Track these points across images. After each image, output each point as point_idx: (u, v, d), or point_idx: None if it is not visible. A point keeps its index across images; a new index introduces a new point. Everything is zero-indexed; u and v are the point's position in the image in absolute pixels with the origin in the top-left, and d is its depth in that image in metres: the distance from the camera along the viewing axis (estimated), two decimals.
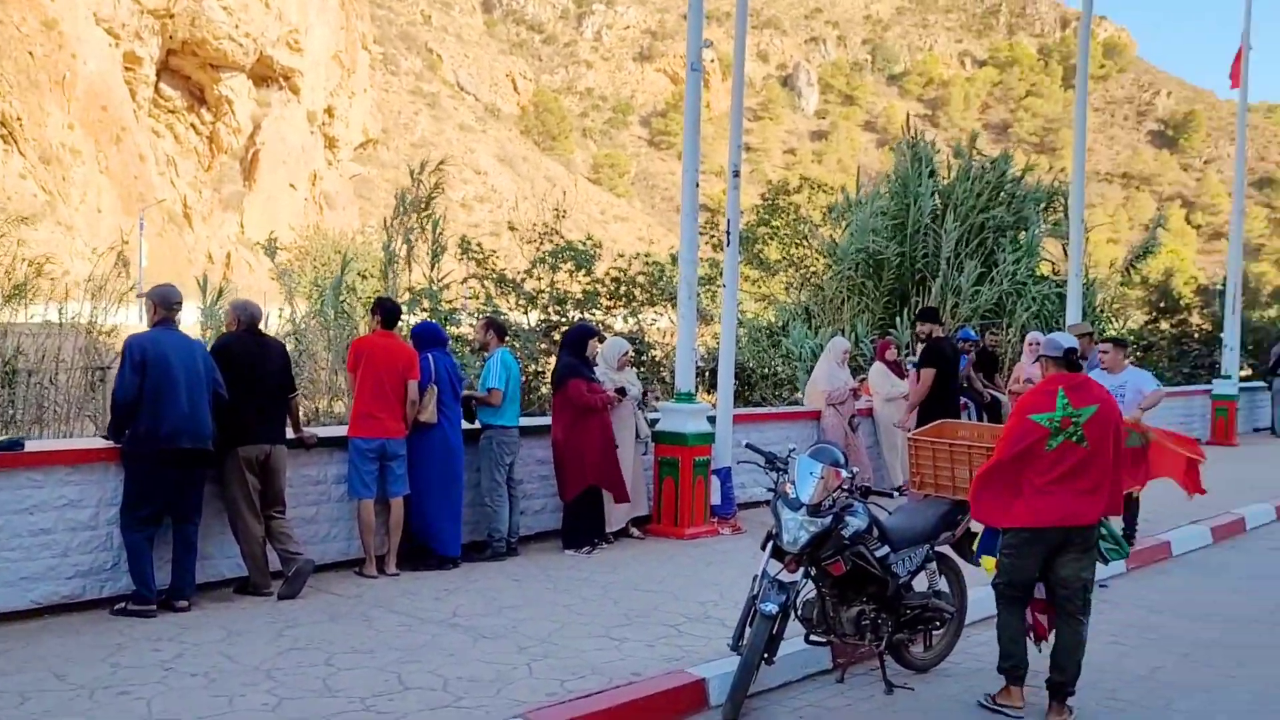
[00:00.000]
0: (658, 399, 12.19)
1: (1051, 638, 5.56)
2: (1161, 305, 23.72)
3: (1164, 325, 23.17)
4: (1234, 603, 7.76)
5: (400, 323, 8.60)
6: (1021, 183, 17.87)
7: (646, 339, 15.82)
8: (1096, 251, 24.18)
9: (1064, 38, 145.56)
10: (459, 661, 5.63)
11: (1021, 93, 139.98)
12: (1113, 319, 18.65)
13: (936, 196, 16.91)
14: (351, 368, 7.66)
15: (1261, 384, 20.06)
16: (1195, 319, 23.68)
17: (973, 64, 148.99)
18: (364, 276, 19.18)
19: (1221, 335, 19.13)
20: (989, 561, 5.83)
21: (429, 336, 8.29)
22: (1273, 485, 12.81)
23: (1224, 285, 20.44)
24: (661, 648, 5.99)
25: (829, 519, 5.37)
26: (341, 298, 14.94)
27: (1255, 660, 6.36)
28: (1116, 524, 6.42)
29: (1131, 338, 21.28)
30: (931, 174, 17.39)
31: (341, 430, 7.86)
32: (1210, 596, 7.93)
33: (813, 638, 5.75)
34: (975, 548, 6.09)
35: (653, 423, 9.40)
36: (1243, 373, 19.97)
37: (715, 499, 9.41)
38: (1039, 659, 5.54)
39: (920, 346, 10.52)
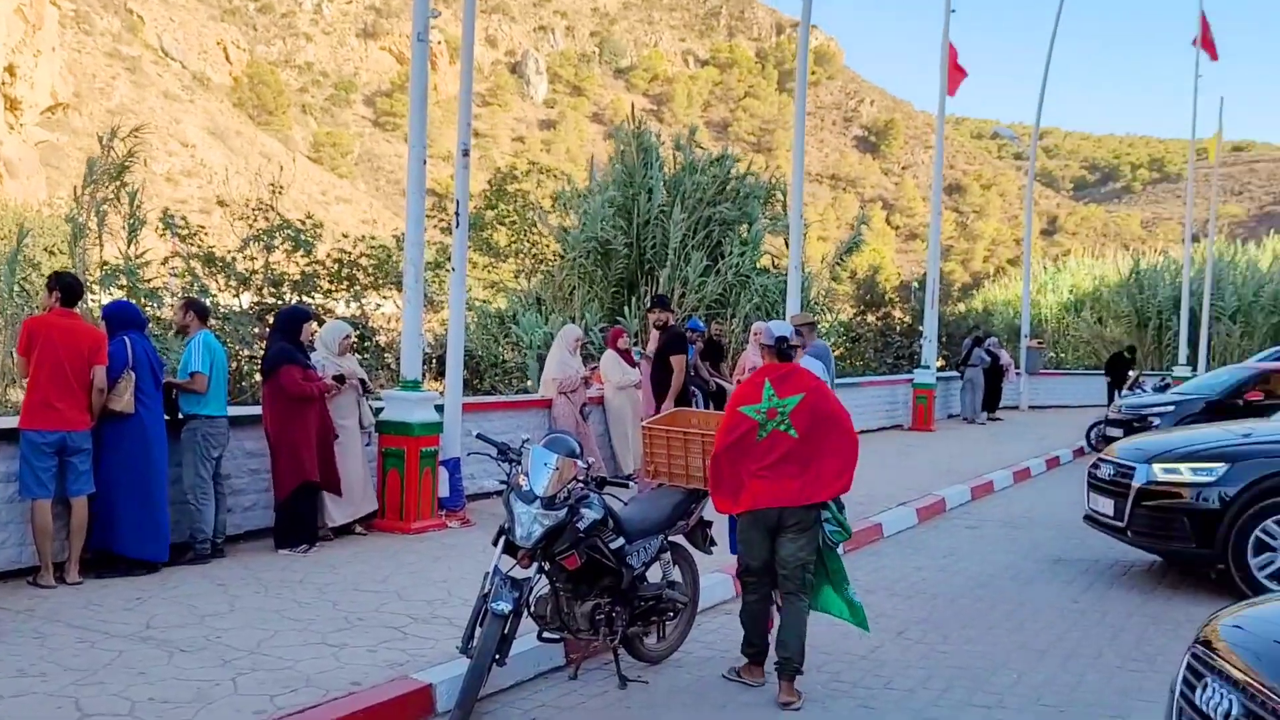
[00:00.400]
0: (381, 386, 11.66)
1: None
2: (868, 299, 25.22)
3: (870, 318, 24.65)
4: (939, 580, 8.19)
5: (91, 302, 7.69)
6: (746, 179, 18.44)
7: (371, 324, 15.17)
8: (808, 248, 25.38)
9: (779, 43, 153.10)
10: (150, 681, 5.00)
11: (740, 93, 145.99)
12: (826, 311, 19.60)
13: (664, 188, 17.15)
14: (24, 351, 6.73)
15: (955, 374, 21.72)
16: (897, 313, 25.35)
17: (695, 63, 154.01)
18: (51, 252, 17.43)
19: (921, 328, 20.54)
20: None
21: (124, 317, 7.44)
22: (967, 468, 13.81)
23: (922, 282, 21.95)
24: (385, 652, 5.59)
25: (564, 511, 5.16)
26: (22, 274, 13.43)
27: (959, 636, 6.69)
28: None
29: (842, 329, 22.53)
30: (660, 167, 17.65)
31: (13, 421, 6.90)
32: (919, 575, 8.35)
33: (546, 635, 5.54)
34: (714, 540, 6.11)
35: (377, 411, 8.90)
36: (938, 363, 21.53)
37: (443, 491, 9.04)
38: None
39: (654, 334, 10.56)
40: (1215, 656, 3.62)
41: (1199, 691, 3.58)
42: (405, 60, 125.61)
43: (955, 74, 20.46)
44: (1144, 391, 17.92)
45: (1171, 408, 14.74)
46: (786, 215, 18.89)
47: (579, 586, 5.39)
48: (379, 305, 15.86)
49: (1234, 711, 3.34)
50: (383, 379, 13.93)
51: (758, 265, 17.63)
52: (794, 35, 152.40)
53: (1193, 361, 27.55)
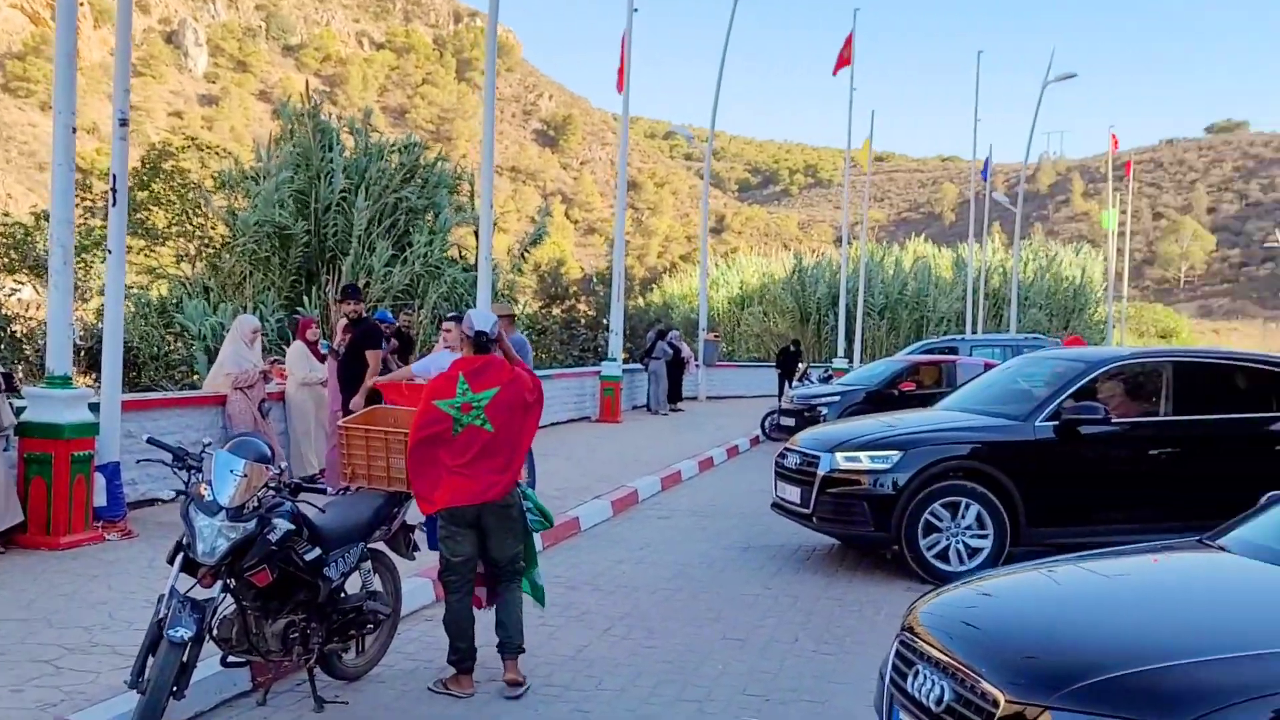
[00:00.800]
0: (21, 382, 10.35)
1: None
2: (553, 292, 25.39)
3: (555, 311, 24.81)
4: (638, 573, 8.22)
5: None
6: (434, 167, 17.98)
7: (4, 312, 13.46)
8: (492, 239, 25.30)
9: (457, 31, 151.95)
10: None
11: (418, 80, 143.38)
12: (514, 303, 19.47)
13: (345, 173, 16.38)
14: None
15: (639, 366, 22.25)
16: (582, 306, 25.68)
17: (370, 45, 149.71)
18: None
19: (606, 321, 20.86)
20: None
21: None
22: (655, 458, 14.12)
23: (602, 276, 22.33)
24: (34, 691, 4.83)
25: (253, 523, 4.64)
26: None
27: (663, 629, 6.71)
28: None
29: (527, 322, 22.51)
30: (341, 150, 16.86)
31: None
32: (619, 569, 8.34)
33: (231, 659, 4.98)
34: (417, 544, 5.80)
35: (18, 411, 7.80)
36: (622, 355, 21.98)
37: (100, 500, 8.06)
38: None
39: (341, 325, 9.97)
40: (919, 641, 3.74)
41: (910, 679, 3.68)
42: (40, 20, 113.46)
43: (621, 75, 20.68)
44: (811, 383, 19.12)
45: (837, 398, 15.76)
46: (473, 205, 18.61)
47: (270, 604, 4.88)
48: (14, 291, 14.11)
49: (946, 697, 3.44)
50: (21, 374, 12.37)
51: (446, 256, 17.24)
52: (471, 24, 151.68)
53: (849, 354, 29.83)
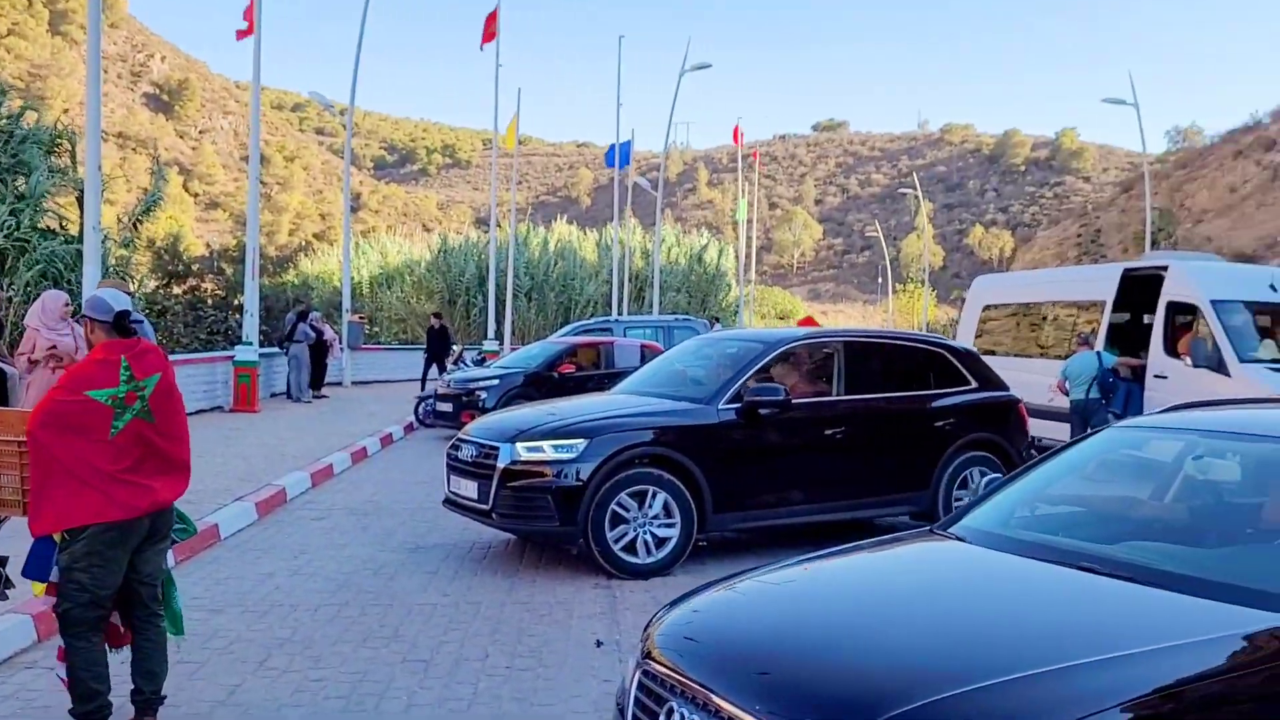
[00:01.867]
0: None
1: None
2: (173, 270, 22.98)
3: (176, 290, 22.43)
4: (294, 587, 7.19)
5: None
6: (21, 119, 15.49)
7: None
8: None
9: None
10: None
11: (2, 31, 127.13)
12: (128, 281, 17.25)
13: None
14: None
15: (278, 350, 20.49)
16: (208, 285, 23.42)
17: None
18: None
19: (239, 300, 19.02)
20: (40, 587, 4.56)
21: None
22: (302, 451, 12.87)
23: (226, 253, 20.41)
24: None
25: None
26: None
27: (332, 656, 5.79)
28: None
29: (144, 302, 20.15)
30: None
31: None
32: (270, 583, 7.26)
33: None
34: (22, 572, 4.57)
35: None
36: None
37: None
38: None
39: None
40: (665, 671, 3.21)
41: (663, 719, 3.13)
42: None
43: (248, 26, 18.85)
44: (467, 365, 18.40)
45: (496, 381, 15.16)
46: (75, 169, 16.30)
47: None
48: None
49: None
50: None
51: (40, 226, 14.90)
52: None
53: (500, 336, 29.34)
